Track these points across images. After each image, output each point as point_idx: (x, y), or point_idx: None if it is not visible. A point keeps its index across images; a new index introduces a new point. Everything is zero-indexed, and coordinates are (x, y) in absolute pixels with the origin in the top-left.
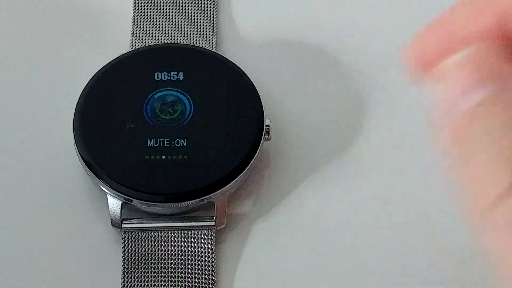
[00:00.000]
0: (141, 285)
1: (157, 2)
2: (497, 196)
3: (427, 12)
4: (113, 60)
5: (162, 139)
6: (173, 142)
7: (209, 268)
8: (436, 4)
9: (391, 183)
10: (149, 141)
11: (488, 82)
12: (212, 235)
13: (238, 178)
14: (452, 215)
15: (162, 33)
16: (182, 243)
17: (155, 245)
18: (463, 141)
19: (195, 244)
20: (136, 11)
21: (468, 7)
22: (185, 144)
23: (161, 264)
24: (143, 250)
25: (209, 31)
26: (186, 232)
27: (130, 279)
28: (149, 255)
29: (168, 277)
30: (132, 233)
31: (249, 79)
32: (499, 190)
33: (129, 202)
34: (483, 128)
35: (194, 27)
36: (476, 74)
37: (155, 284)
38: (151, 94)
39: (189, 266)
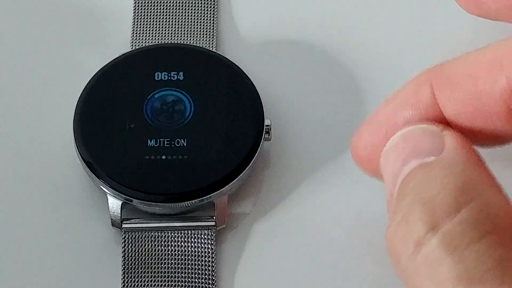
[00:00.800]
0: (141, 285)
1: (157, 2)
2: (415, 243)
3: (427, 12)
4: (113, 60)
5: (162, 139)
6: (173, 142)
7: (209, 268)
8: (436, 3)
9: None
10: (149, 141)
11: (419, 156)
12: (212, 235)
13: (238, 178)
14: None
15: (162, 33)
16: (182, 243)
17: (155, 245)
18: (396, 201)
19: (195, 244)
20: (136, 11)
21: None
22: (185, 144)
23: (161, 264)
24: (143, 250)
25: (209, 31)
26: (186, 232)
27: (130, 279)
28: (149, 255)
29: (168, 277)
30: (132, 233)
31: (249, 79)
32: (416, 239)
33: (129, 202)
34: (413, 186)
35: (194, 27)
36: (410, 149)
37: (155, 284)
38: (151, 94)
39: (189, 266)
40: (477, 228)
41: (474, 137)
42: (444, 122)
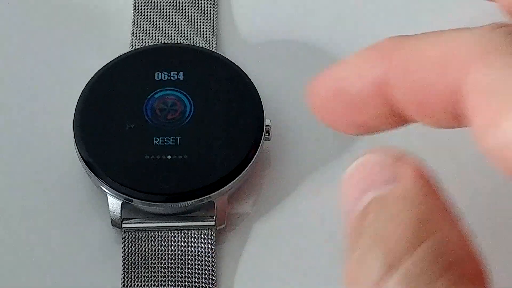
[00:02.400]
0: (141, 285)
1: (157, 2)
2: (374, 284)
3: (427, 12)
4: (113, 60)
5: (162, 139)
6: (173, 142)
7: (209, 268)
8: (436, 3)
9: None
10: (149, 141)
11: (375, 188)
12: (212, 235)
13: (238, 178)
14: None
15: (162, 33)
16: (182, 243)
17: (155, 245)
18: (352, 236)
19: (195, 244)
20: (136, 11)
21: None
22: (185, 144)
23: (161, 264)
24: (143, 250)
25: (209, 31)
26: (186, 232)
27: (130, 279)
28: (149, 255)
29: (168, 277)
30: (132, 233)
31: (249, 79)
32: (374, 279)
33: (129, 202)
34: (369, 223)
35: (194, 27)
36: (365, 181)
37: (155, 284)
38: (151, 94)
39: (189, 266)
40: (436, 265)
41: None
42: (390, 100)
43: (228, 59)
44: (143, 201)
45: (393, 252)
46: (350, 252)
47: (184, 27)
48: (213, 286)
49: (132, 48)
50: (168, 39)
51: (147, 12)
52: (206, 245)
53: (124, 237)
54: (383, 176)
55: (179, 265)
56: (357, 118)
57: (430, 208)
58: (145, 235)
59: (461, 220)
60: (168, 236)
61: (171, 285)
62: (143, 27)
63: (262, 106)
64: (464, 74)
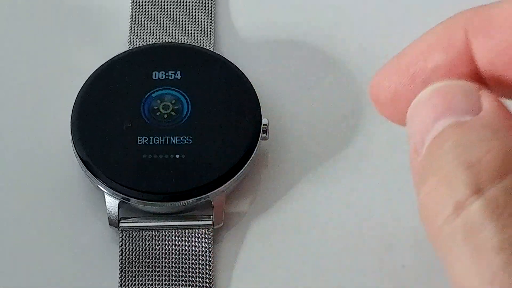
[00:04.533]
0: (138, 284)
1: (154, 1)
2: (456, 205)
3: (426, 11)
4: (110, 59)
5: (159, 138)
6: (170, 141)
7: (207, 267)
8: (435, 3)
9: (391, 183)
10: (146, 140)
11: (454, 114)
12: (209, 234)
13: (235, 177)
14: None
15: (159, 32)
16: (179, 242)
17: (152, 244)
18: (427, 159)
19: (193, 243)
20: (134, 10)
21: (426, 43)
22: (182, 143)
23: (159, 263)
24: (140, 249)
25: (207, 30)
26: (183, 231)
27: (127, 278)
28: (147, 254)
29: (165, 276)
30: (130, 232)
31: (246, 78)
32: (457, 200)
33: (126, 201)
34: (451, 146)
35: (191, 26)
36: (444, 105)
37: (152, 283)
38: (148, 93)
39: (186, 265)
40: None
41: (504, 89)
42: (476, 71)
43: (225, 59)
44: (140, 201)
45: (480, 176)
46: (426, 175)
47: (182, 27)
48: (210, 285)
49: (129, 47)
50: (165, 38)
51: (145, 11)
52: (203, 244)
53: (122, 236)
54: (465, 103)
55: (176, 264)
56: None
57: None
58: (143, 234)
59: None
60: (166, 235)
61: (169, 284)
62: (140, 26)
63: (259, 106)
64: None
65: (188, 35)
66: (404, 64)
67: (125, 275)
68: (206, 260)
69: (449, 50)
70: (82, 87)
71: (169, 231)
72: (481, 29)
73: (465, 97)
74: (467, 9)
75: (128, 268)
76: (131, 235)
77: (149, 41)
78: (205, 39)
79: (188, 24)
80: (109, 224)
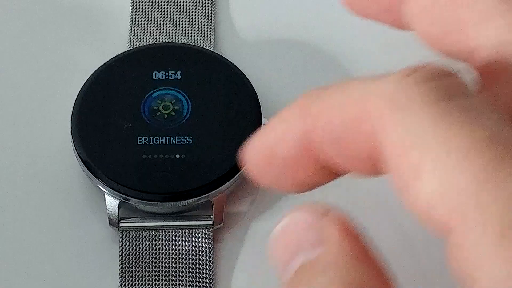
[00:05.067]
0: (138, 284)
1: (155, 1)
2: None
3: None
4: (110, 59)
5: (159, 138)
6: (170, 141)
7: (207, 267)
8: None
9: (390, 183)
10: (146, 140)
11: (304, 250)
12: (209, 234)
13: (235, 177)
14: None
15: (160, 32)
16: (179, 242)
17: (152, 244)
18: None
19: (193, 243)
20: (134, 10)
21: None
22: (182, 143)
23: (159, 263)
24: (140, 249)
25: (207, 30)
26: (183, 231)
27: (127, 278)
28: (147, 254)
29: (165, 276)
30: (130, 232)
31: (247, 78)
32: None
33: (126, 201)
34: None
35: (192, 26)
36: (293, 242)
37: (152, 283)
38: (148, 94)
39: (186, 265)
40: None
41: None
42: (322, 158)
43: (226, 59)
44: (140, 201)
45: None
46: None
47: (182, 27)
48: (211, 285)
49: (129, 47)
50: (165, 38)
51: (145, 11)
52: (203, 244)
53: (122, 236)
54: (310, 238)
55: (176, 264)
56: (295, 179)
57: (359, 273)
58: (143, 234)
59: (393, 279)
60: (166, 235)
61: (169, 284)
62: (140, 26)
63: (259, 106)
64: (377, 129)
65: (188, 35)
66: (263, 143)
67: (125, 275)
68: (206, 260)
69: (293, 139)
70: (82, 87)
71: (169, 231)
72: (319, 120)
73: (310, 231)
74: (310, 92)
75: (128, 268)
76: (131, 235)
77: (149, 41)
78: (205, 39)
79: (188, 24)
80: (109, 224)
